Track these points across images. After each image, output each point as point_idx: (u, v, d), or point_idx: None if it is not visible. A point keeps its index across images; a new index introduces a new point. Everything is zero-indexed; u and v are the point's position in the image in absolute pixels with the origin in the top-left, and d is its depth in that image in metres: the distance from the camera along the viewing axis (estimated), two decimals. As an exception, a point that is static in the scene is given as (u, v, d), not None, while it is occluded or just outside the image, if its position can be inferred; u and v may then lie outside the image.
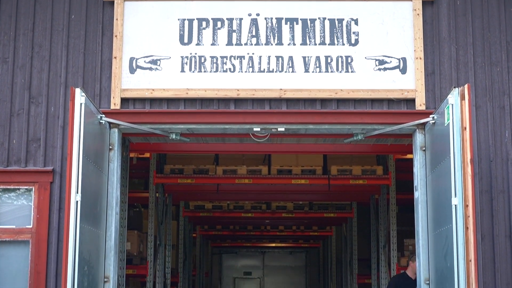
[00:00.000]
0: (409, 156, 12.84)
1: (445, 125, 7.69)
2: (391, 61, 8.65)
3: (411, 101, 8.56)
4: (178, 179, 14.60)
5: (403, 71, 8.64)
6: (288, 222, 22.83)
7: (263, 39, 8.71)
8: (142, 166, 14.96)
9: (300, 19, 8.76)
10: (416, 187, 8.51)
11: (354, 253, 18.44)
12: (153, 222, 14.25)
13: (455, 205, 7.31)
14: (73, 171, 7.51)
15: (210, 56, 8.66)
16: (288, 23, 8.74)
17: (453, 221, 7.30)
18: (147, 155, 14.01)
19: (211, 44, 8.70)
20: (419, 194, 8.44)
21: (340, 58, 8.65)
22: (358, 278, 18.09)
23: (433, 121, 8.20)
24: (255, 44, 8.71)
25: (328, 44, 8.69)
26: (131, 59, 8.67)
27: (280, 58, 8.66)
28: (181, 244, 18.90)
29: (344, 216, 19.21)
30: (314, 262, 30.49)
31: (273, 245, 29.47)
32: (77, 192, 7.47)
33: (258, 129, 8.72)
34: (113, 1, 8.76)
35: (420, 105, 8.50)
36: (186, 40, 8.73)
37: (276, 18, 8.75)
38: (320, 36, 8.70)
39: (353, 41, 8.69)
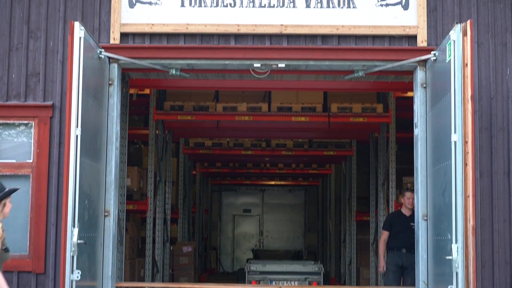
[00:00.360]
0: (409, 94, 12.81)
1: (446, 61, 7.65)
2: (393, -3, 8.56)
3: (413, 37, 8.50)
4: (178, 116, 14.59)
5: (405, 7, 8.56)
6: (287, 160, 22.91)
7: (264, -27, 8.60)
8: (142, 103, 14.94)
9: (302, -47, 8.63)
10: (416, 124, 8.51)
11: (353, 191, 18.55)
12: (153, 158, 14.30)
13: (455, 142, 7.32)
14: (73, 105, 7.50)
15: (211, -9, 8.56)
16: (290, -43, 8.62)
17: (452, 157, 7.33)
18: (147, 91, 13.97)
19: (212, -22, 8.59)
20: (419, 131, 8.44)
21: (341, -6, 8.55)
22: (357, 215, 18.24)
23: (435, 58, 8.15)
24: (256, -21, 8.60)
25: (330, -21, 8.59)
26: (131, -7, 8.57)
27: (281, -7, 8.56)
28: (181, 181, 19.02)
29: (344, 154, 19.26)
30: (313, 200, 30.71)
31: (273, 183, 29.61)
32: (77, 126, 7.47)
33: (259, 65, 8.68)
34: None
35: (422, 41, 8.45)
36: (186, -26, 8.62)
37: (277, -48, 8.63)
38: (322, -30, 8.59)
39: (355, -24, 8.58)
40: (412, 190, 11.22)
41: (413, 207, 11.07)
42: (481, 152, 8.13)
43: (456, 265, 7.26)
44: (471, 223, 7.60)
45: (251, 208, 31.94)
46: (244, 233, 31.85)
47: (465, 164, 7.52)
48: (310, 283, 16.14)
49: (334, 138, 18.68)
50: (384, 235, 11.41)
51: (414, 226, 10.85)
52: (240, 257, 31.11)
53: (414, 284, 10.79)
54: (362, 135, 17.27)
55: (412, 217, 11.06)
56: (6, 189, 5.98)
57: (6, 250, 6.07)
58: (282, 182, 29.52)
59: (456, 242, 7.28)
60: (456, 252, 7.26)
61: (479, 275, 8.00)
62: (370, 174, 16.58)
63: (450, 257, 7.34)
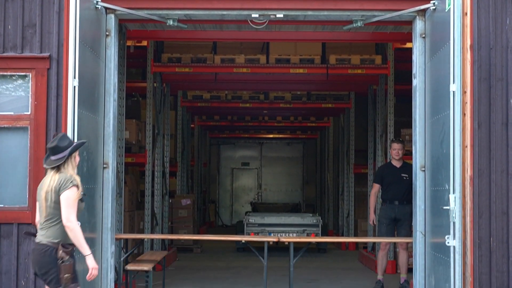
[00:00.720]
0: (408, 45, 12.76)
1: (446, 11, 7.61)
2: None
3: (412, -13, 8.42)
4: (175, 68, 14.54)
5: (405, -44, 8.47)
6: (286, 113, 22.90)
7: None
8: (140, 56, 14.88)
9: None
10: (414, 74, 8.50)
11: (351, 144, 18.59)
12: (151, 111, 14.29)
13: (453, 92, 7.32)
14: (70, 56, 7.47)
15: None
16: None
17: (450, 107, 7.32)
18: (144, 43, 13.90)
19: None
20: (418, 82, 8.43)
21: None
22: (355, 168, 18.32)
23: (434, 7, 8.10)
24: None
25: None
26: None
27: None
28: (179, 134, 19.04)
29: (342, 106, 19.26)
30: (311, 153, 30.78)
31: (271, 136, 29.64)
32: (75, 77, 7.45)
33: (257, 16, 8.62)
34: None
35: (421, -9, 8.37)
36: None
37: None
38: None
39: None
40: (398, 141, 11.22)
41: (400, 158, 11.11)
42: (479, 103, 8.11)
43: (453, 215, 7.31)
44: (468, 173, 7.64)
45: (250, 161, 32.02)
46: (242, 186, 31.99)
47: (463, 114, 7.53)
48: (308, 235, 16.28)
49: (332, 90, 18.66)
50: (374, 188, 11.34)
51: (405, 177, 10.89)
52: (238, 210, 31.30)
53: (408, 235, 10.90)
54: (360, 87, 17.25)
55: (402, 168, 11.08)
56: (75, 143, 6.29)
57: (81, 200, 6.34)
58: (281, 135, 29.56)
59: (453, 192, 7.32)
60: (454, 202, 7.30)
61: (476, 225, 8.06)
62: (368, 127, 16.59)
63: (447, 207, 7.39)
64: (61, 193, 6.05)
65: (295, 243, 9.83)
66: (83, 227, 7.65)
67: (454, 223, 7.32)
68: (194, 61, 14.53)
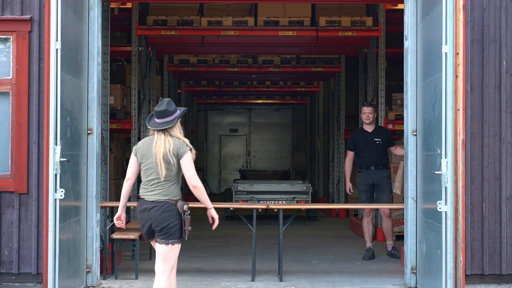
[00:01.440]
0: (400, 6, 12.75)
1: (438, -29, 7.60)
2: None
3: None
4: (161, 31, 14.46)
5: None
6: (275, 77, 22.88)
7: None
8: (124, 18, 14.80)
9: None
10: (406, 36, 8.50)
11: (342, 109, 18.62)
12: (136, 76, 14.25)
13: (445, 53, 7.33)
14: (52, 18, 7.43)
15: None
16: None
17: (442, 69, 7.34)
18: (129, 5, 13.81)
19: None
20: (409, 43, 8.44)
21: None
22: (345, 134, 18.33)
23: (426, -33, 8.09)
24: None
25: None
26: None
27: None
28: (165, 100, 18.99)
29: (332, 70, 19.25)
30: (301, 118, 30.81)
31: (260, 101, 29.62)
32: (57, 40, 7.42)
33: (244, -24, 8.59)
34: None
35: (413, -50, 8.35)
36: None
37: None
38: None
39: None
40: (369, 104, 11.18)
41: (371, 122, 11.10)
42: (472, 65, 8.14)
43: (445, 180, 7.37)
44: (461, 137, 7.69)
45: (238, 127, 32.01)
46: (231, 153, 32.03)
47: (456, 77, 7.56)
48: (298, 203, 16.35)
49: (322, 53, 18.63)
50: (348, 156, 11.31)
51: (378, 141, 10.93)
52: (227, 178, 31.36)
53: (389, 201, 10.96)
54: (351, 50, 17.23)
55: (375, 132, 11.11)
56: (181, 109, 6.78)
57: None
58: (270, 101, 29.54)
59: (445, 157, 7.37)
60: (446, 166, 7.35)
61: (468, 190, 8.13)
62: (359, 91, 16.61)
63: (439, 172, 7.44)
64: (182, 157, 6.61)
65: (284, 210, 9.89)
66: (68, 195, 7.69)
67: (446, 188, 7.37)
68: (180, 23, 14.46)
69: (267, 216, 16.49)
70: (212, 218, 6.87)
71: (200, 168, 30.76)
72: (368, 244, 11.17)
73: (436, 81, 7.59)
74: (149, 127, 6.72)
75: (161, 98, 6.85)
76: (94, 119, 8.52)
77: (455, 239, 7.61)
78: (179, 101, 23.34)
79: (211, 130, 32.03)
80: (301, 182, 17.42)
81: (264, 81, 23.96)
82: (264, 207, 9.92)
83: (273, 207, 10.02)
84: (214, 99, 29.52)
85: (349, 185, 11.35)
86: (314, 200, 17.32)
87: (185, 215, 6.66)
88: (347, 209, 17.83)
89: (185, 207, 6.65)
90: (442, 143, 7.38)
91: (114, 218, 6.89)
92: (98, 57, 8.52)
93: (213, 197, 27.94)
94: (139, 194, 6.75)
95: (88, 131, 8.49)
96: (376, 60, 14.57)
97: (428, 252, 7.98)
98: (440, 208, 7.39)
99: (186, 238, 6.72)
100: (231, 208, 10.76)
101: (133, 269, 9.57)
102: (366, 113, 11.05)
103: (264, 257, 11.02)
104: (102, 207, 9.12)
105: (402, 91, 8.86)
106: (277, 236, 9.54)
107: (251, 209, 9.80)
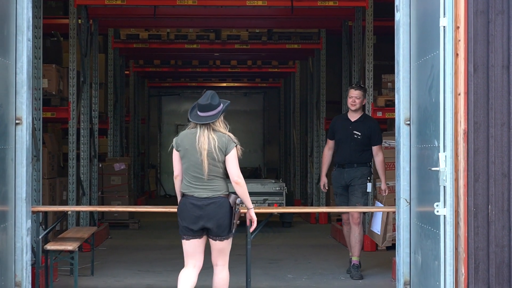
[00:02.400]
0: (390, -29, 12.80)
1: None
2: None
3: None
4: (105, 0, 14.41)
5: None
6: (242, 56, 22.89)
7: None
8: (60, -15, 14.75)
9: None
10: (397, 6, 8.54)
11: (322, 93, 18.67)
12: (75, 55, 14.17)
13: (444, 27, 7.37)
14: (-29, -15, 7.36)
15: None
16: None
17: (440, 46, 7.38)
18: (65, -31, 13.76)
19: None
20: (401, 15, 8.47)
21: None
22: (326, 122, 18.37)
23: None
24: None
25: None
26: None
27: None
28: (110, 83, 18.95)
29: (311, 47, 19.29)
30: (273, 105, 30.86)
31: (224, 85, 29.61)
32: (-23, 11, 7.36)
33: None
34: None
35: None
36: None
37: None
38: None
39: None
40: (358, 87, 10.96)
41: (358, 110, 10.94)
42: (475, 41, 8.18)
43: (444, 178, 7.41)
44: (462, 126, 7.74)
45: (198, 116, 31.96)
46: (190, 147, 31.98)
47: (456, 55, 7.60)
48: (270, 206, 16.38)
49: (298, 27, 18.67)
50: (328, 145, 11.18)
51: (357, 135, 10.72)
52: (185, 176, 31.31)
53: (359, 205, 10.81)
54: (333, 23, 17.29)
55: (357, 124, 10.87)
56: (224, 103, 7.76)
57: None
58: (236, 84, 29.57)
59: (444, 150, 7.41)
60: (444, 162, 7.40)
61: (471, 189, 8.18)
62: (342, 73, 16.67)
63: (436, 169, 7.49)
64: (229, 153, 7.57)
65: (253, 214, 9.89)
66: (-8, 197, 7.62)
67: (444, 187, 7.42)
68: (128, -10, 14.44)
69: (233, 222, 16.46)
70: (251, 220, 7.87)
71: (153, 165, 30.73)
72: (354, 258, 10.91)
73: (433, 60, 7.63)
74: (191, 120, 7.71)
75: (205, 90, 7.95)
76: (23, 106, 8.45)
77: (456, 248, 7.66)
78: (127, 84, 23.27)
79: (166, 119, 31.98)
80: (273, 181, 17.46)
81: (229, 61, 23.96)
82: (229, 211, 9.91)
83: (240, 211, 10.00)
84: (169, 82, 29.47)
85: (324, 180, 11.23)
86: (289, 203, 17.37)
87: (236, 209, 7.64)
88: (328, 213, 17.90)
89: (238, 200, 7.65)
90: (440, 134, 7.42)
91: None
92: (28, 32, 8.45)
93: (168, 200, 27.97)
94: (183, 191, 7.70)
95: (17, 121, 8.43)
96: (363, 35, 14.63)
97: (424, 264, 8.04)
98: (437, 212, 7.44)
99: (233, 231, 7.70)
100: (189, 213, 10.71)
101: (72, 286, 9.55)
102: (353, 97, 10.84)
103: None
104: (33, 212, 9.06)
105: (393, 72, 8.90)
106: (244, 246, 9.56)
107: (214, 214, 9.78)
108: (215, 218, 7.57)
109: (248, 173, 23.91)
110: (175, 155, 7.74)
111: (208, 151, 7.50)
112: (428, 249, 7.90)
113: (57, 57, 15.33)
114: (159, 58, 23.78)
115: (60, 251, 9.65)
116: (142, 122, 27.49)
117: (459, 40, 7.54)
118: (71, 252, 9.64)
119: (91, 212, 14.83)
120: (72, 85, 14.16)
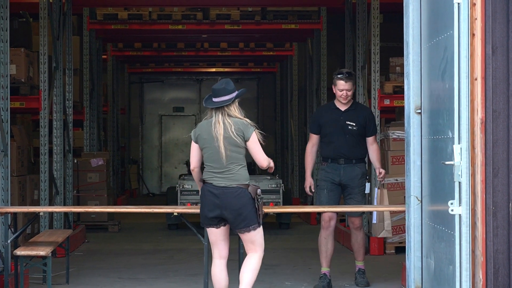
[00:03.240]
0: None
1: None
2: None
3: None
4: (79, -24, 14.43)
5: None
6: (233, 38, 22.89)
7: None
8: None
9: None
10: (406, -18, 8.55)
11: (323, 79, 18.69)
12: (46, 37, 14.15)
13: (458, 4, 7.37)
14: None
15: None
16: None
17: (454, 26, 7.38)
18: None
19: None
20: (411, -8, 8.48)
21: None
22: (328, 112, 18.43)
23: None
24: None
25: None
26: None
27: None
28: (86, 69, 18.93)
29: (310, 27, 19.30)
30: (268, 92, 30.87)
31: (213, 70, 29.58)
32: None
33: None
34: None
35: None
36: None
37: None
38: None
39: None
40: (347, 77, 10.52)
41: (349, 101, 10.74)
42: (494, 19, 8.18)
43: (459, 173, 7.42)
44: (479, 115, 7.75)
45: (185, 105, 32.00)
46: (175, 140, 32.00)
47: (472, 35, 7.60)
48: (265, 205, 16.40)
49: (296, 5, 18.68)
50: (311, 140, 10.83)
51: (351, 126, 10.62)
52: (170, 172, 31.38)
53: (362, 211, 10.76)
54: (334, 0, 17.29)
55: (349, 113, 10.64)
56: (241, 90, 8.42)
57: None
58: (226, 69, 29.54)
59: (459, 142, 7.42)
60: (459, 155, 7.41)
61: (489, 185, 8.19)
62: (345, 55, 16.68)
63: (450, 163, 7.49)
64: (249, 138, 8.17)
65: (246, 215, 9.89)
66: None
67: (459, 183, 7.43)
68: (104, -35, 14.44)
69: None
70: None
71: (134, 160, 30.74)
72: (324, 268, 10.66)
73: (447, 41, 7.64)
74: (205, 106, 8.20)
75: (220, 78, 8.51)
76: (-12, 95, 8.46)
77: (473, 251, 7.68)
78: (105, 70, 23.25)
79: (148, 109, 31.98)
80: (269, 177, 17.48)
81: (219, 43, 23.96)
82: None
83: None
84: (151, 68, 29.47)
85: (309, 181, 10.96)
86: (287, 202, 17.39)
87: (259, 200, 8.11)
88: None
89: (258, 191, 8.12)
90: (454, 124, 7.43)
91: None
92: (-7, 12, 8.46)
93: (152, 199, 27.99)
94: (204, 178, 8.19)
95: (-19, 112, 8.45)
96: (368, 14, 14.63)
97: (437, 269, 8.05)
98: (452, 211, 7.45)
99: (261, 222, 8.19)
100: (175, 214, 10.68)
101: (44, 296, 9.56)
102: (344, 90, 10.50)
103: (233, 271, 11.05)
104: (1, 213, 9.07)
105: (402, 55, 8.90)
106: (236, 249, 9.56)
107: (202, 215, 9.81)
108: (233, 209, 8.05)
109: (241, 169, 23.92)
110: (194, 147, 8.25)
111: (224, 136, 8.03)
112: (441, 252, 7.91)
113: (26, 40, 15.32)
114: (140, 41, 23.77)
115: (32, 257, 9.65)
116: (122, 113, 27.49)
117: (476, 19, 7.55)
118: (43, 258, 9.64)
119: (66, 213, 14.81)
120: (43, 72, 14.14)
